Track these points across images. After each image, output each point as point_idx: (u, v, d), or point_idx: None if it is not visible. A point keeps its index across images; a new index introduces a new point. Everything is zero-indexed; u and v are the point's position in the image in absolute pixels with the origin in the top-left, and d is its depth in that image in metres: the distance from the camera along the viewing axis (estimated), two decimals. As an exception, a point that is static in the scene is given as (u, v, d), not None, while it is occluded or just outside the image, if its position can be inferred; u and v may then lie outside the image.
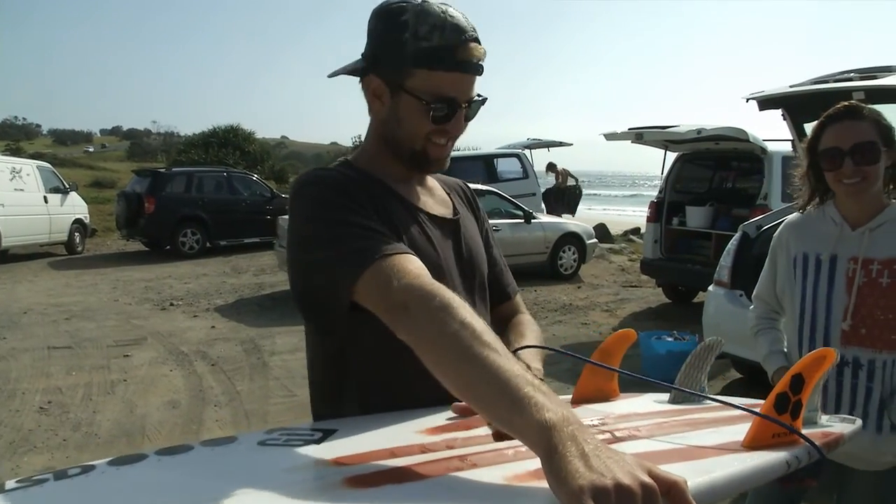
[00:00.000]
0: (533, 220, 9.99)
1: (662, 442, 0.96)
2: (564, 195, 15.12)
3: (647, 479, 0.65)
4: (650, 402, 1.31)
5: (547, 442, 0.70)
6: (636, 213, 24.43)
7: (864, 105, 1.94)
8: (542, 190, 13.80)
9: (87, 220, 14.59)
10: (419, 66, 1.15)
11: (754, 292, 2.23)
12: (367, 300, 1.05)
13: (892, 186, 1.93)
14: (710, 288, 5.14)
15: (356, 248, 1.07)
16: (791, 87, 4.67)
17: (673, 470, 0.68)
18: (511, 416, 0.77)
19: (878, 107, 4.59)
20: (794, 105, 4.85)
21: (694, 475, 0.76)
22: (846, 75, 4.47)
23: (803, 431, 1.01)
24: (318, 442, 0.97)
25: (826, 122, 1.93)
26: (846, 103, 1.94)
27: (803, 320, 1.99)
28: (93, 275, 11.18)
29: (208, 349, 6.62)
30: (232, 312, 8.28)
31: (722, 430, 1.04)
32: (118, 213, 13.92)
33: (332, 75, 1.26)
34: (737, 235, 5.04)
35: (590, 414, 1.15)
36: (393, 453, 0.90)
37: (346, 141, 29.03)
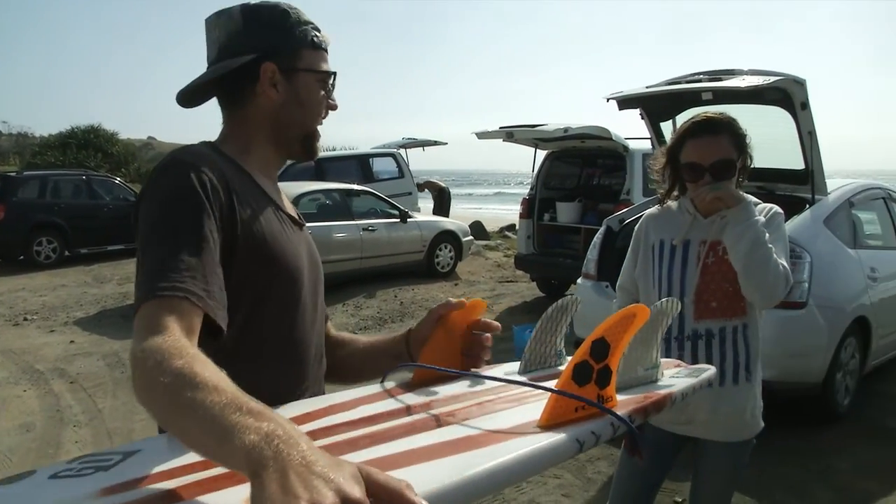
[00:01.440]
0: (409, 220, 10.02)
1: (463, 428, 0.92)
2: (442, 202, 15.27)
3: (356, 494, 0.60)
4: (498, 374, 1.26)
5: (250, 466, 0.64)
6: (511, 210, 25.06)
7: (721, 117, 2.10)
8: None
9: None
10: (306, 47, 1.27)
11: (618, 283, 2.39)
12: None
13: (741, 179, 2.13)
14: (579, 280, 5.34)
15: (152, 275, 1.00)
16: (647, 87, 4.92)
17: (454, 461, 0.68)
18: (220, 450, 0.71)
19: (720, 106, 4.95)
20: (650, 105, 5.13)
21: (467, 467, 0.75)
22: (696, 77, 4.77)
23: (626, 396, 1.01)
24: (107, 468, 0.86)
25: (687, 136, 2.10)
26: (706, 116, 2.11)
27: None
28: (-68, 289, 10.20)
29: (67, 366, 6.20)
30: (94, 325, 7.79)
31: (533, 407, 0.99)
32: (-38, 222, 12.76)
33: (210, 77, 1.25)
34: (601, 229, 5.28)
35: (416, 398, 1.10)
36: (171, 475, 0.81)
37: (218, 141, 27.98)
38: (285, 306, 1.23)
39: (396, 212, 10.01)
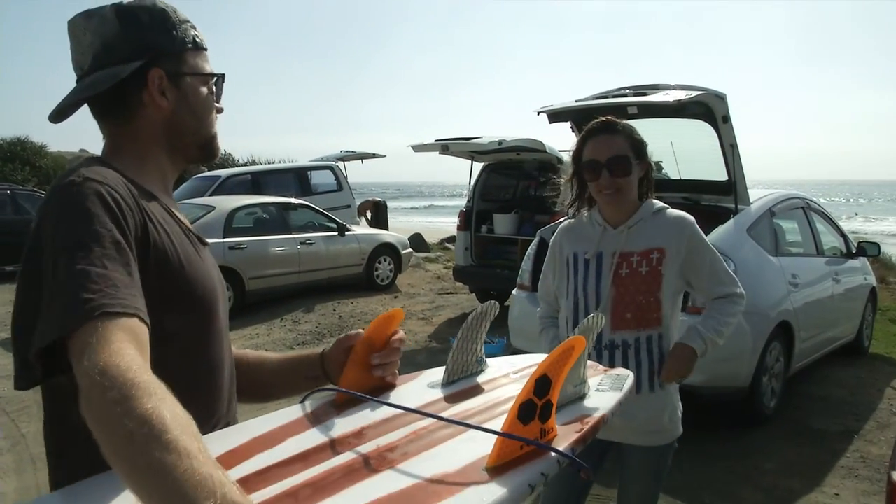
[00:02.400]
0: (347, 233, 9.98)
1: (406, 473, 0.91)
2: (378, 215, 15.26)
3: None
4: (421, 389, 1.26)
5: None
6: (450, 221, 25.16)
7: (618, 120, 2.20)
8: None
9: None
10: (189, 48, 1.20)
11: (538, 293, 2.43)
12: (72, 362, 0.87)
13: (645, 190, 2.25)
14: (514, 291, 5.40)
15: (89, 291, 0.90)
16: (576, 101, 5.04)
17: None
18: None
19: (646, 120, 5.09)
20: (579, 118, 5.24)
21: None
22: (622, 91, 4.91)
23: (563, 422, 1.03)
24: None
25: (587, 136, 2.20)
26: (603, 119, 2.21)
27: (577, 313, 2.21)
28: None
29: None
30: (18, 344, 7.47)
31: (475, 441, 0.99)
32: None
33: (99, 90, 1.13)
34: (535, 240, 5.35)
35: (343, 424, 1.09)
36: None
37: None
38: (201, 335, 1.17)
39: (335, 225, 9.95)
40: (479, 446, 0.96)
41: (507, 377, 1.32)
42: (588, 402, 1.19)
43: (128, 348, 0.85)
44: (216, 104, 1.27)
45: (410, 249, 11.11)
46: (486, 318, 1.30)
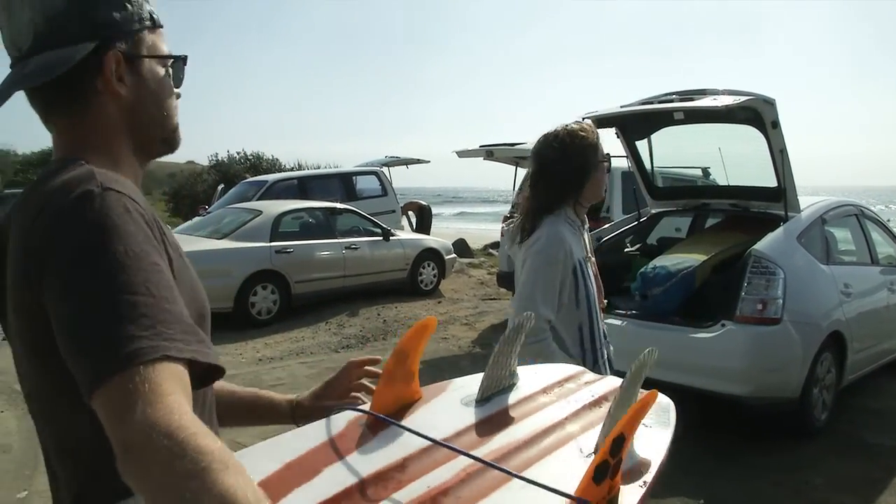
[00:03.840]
0: (392, 238, 10.04)
1: None
2: (423, 220, 15.32)
3: None
4: (455, 408, 1.20)
5: None
6: (495, 227, 25.13)
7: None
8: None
9: None
10: (146, 27, 1.03)
11: (543, 313, 2.23)
12: (102, 415, 0.74)
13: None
14: (558, 298, 5.37)
15: (130, 328, 0.76)
16: (622, 107, 5.00)
17: None
18: None
19: (694, 126, 5.02)
20: (625, 123, 5.20)
21: None
22: (669, 97, 4.85)
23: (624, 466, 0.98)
24: None
25: (594, 138, 2.41)
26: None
27: (592, 320, 2.36)
28: None
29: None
30: (73, 344, 7.71)
31: (531, 489, 0.93)
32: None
33: (48, 77, 0.94)
34: (580, 247, 5.31)
35: (381, 458, 1.01)
36: None
37: (203, 159, 27.89)
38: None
39: (379, 230, 10.02)
40: (538, 496, 0.92)
41: (544, 394, 1.28)
42: (639, 445, 1.11)
43: (185, 404, 0.73)
44: (175, 89, 1.09)
45: (454, 255, 11.13)
46: (522, 331, 1.26)
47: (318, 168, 22.61)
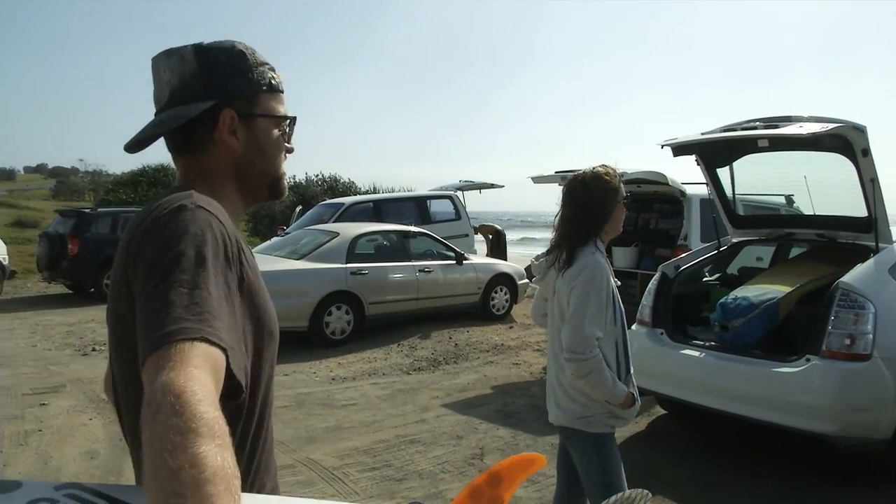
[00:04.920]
0: (465, 262, 10.09)
1: None
2: (498, 245, 15.31)
3: None
4: None
5: None
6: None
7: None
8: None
9: (5, 262, 13.99)
10: (264, 90, 1.23)
11: (591, 332, 2.52)
12: (146, 373, 0.86)
13: None
14: (633, 327, 5.28)
15: (190, 312, 0.90)
16: (702, 134, 4.91)
17: None
18: None
19: (778, 153, 4.89)
20: (705, 151, 5.11)
21: None
22: (752, 124, 4.74)
23: None
24: None
25: (617, 182, 2.68)
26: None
27: (624, 335, 2.66)
28: (10, 319, 10.69)
29: (131, 396, 6.39)
30: (157, 357, 8.01)
31: None
32: (40, 255, 13.45)
33: (166, 130, 1.19)
34: (656, 275, 5.22)
35: None
36: None
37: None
38: (269, 369, 1.19)
39: (453, 254, 10.09)
40: None
41: None
42: None
43: (206, 377, 0.83)
44: (286, 145, 1.29)
45: (527, 280, 11.08)
46: None
47: (392, 191, 22.94)
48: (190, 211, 1.03)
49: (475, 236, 13.90)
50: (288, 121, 1.28)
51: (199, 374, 0.82)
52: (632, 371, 2.68)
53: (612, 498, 1.12)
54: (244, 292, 1.07)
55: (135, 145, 1.22)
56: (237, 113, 1.20)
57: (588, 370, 2.47)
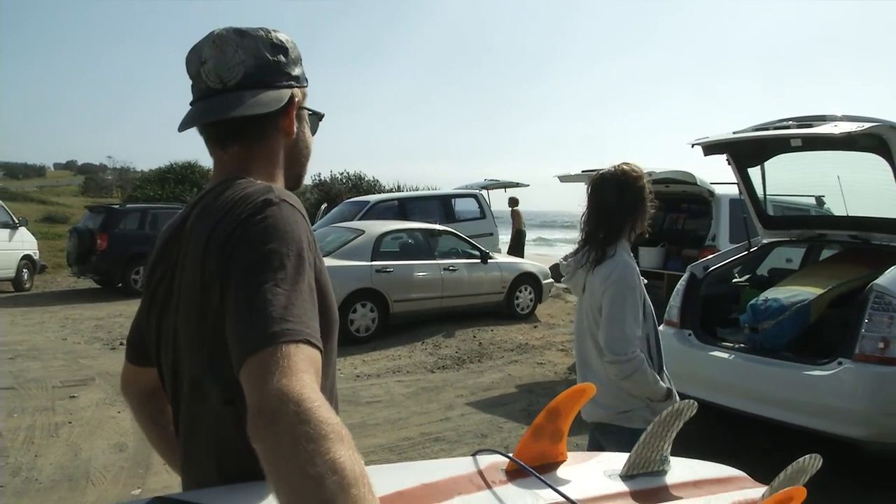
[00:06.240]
0: (490, 261, 10.06)
1: None
2: (519, 239, 15.32)
3: None
4: (599, 477, 1.18)
5: None
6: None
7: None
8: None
9: (36, 257, 14.23)
10: (306, 85, 1.26)
11: (631, 333, 2.51)
12: (245, 383, 0.87)
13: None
14: (661, 327, 5.21)
15: (290, 314, 0.91)
16: (734, 133, 4.85)
17: None
18: None
19: (814, 152, 4.80)
20: (736, 150, 5.04)
21: None
22: (785, 123, 4.67)
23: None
24: None
25: (644, 181, 2.64)
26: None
27: (654, 326, 2.66)
28: (40, 313, 10.88)
29: (158, 390, 6.46)
30: (184, 352, 8.10)
31: None
32: (69, 250, 13.67)
33: (261, 111, 1.15)
34: (685, 276, 5.17)
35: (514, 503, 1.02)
36: None
37: (307, 179, 28.62)
38: (334, 358, 1.20)
39: (477, 252, 10.07)
40: None
41: (695, 488, 1.23)
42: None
43: (314, 382, 0.84)
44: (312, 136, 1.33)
45: (551, 279, 11.03)
46: (682, 416, 1.22)
47: (417, 189, 22.96)
48: (276, 206, 1.02)
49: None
50: (320, 117, 1.32)
51: (309, 380, 0.83)
52: (664, 366, 2.68)
53: (663, 413, 1.20)
54: (319, 282, 1.07)
55: (207, 124, 1.19)
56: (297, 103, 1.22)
57: (632, 370, 2.45)
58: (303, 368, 0.84)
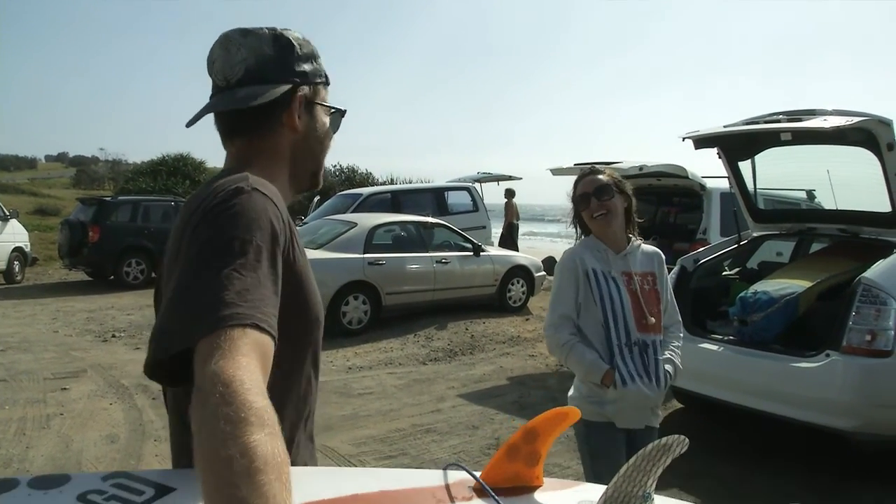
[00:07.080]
0: (482, 253, 10.08)
1: None
2: (512, 231, 15.36)
3: None
4: None
5: None
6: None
7: (601, 167, 2.74)
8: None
9: (27, 249, 14.18)
10: (322, 82, 1.28)
11: (559, 314, 2.62)
12: (196, 361, 0.86)
13: (630, 227, 2.70)
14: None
15: (241, 298, 0.90)
16: (724, 126, 4.87)
17: None
18: None
19: (803, 146, 4.83)
20: (727, 144, 5.07)
21: None
22: (775, 117, 4.70)
23: None
24: None
25: (578, 180, 2.71)
26: (589, 166, 2.82)
27: (607, 320, 2.57)
28: (32, 305, 10.85)
29: (150, 382, 6.36)
30: (176, 344, 8.10)
31: None
32: (61, 242, 13.63)
33: (254, 104, 1.17)
34: (675, 269, 5.19)
35: None
36: None
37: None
38: (314, 353, 1.21)
39: (470, 245, 10.09)
40: None
41: None
42: None
43: (254, 365, 0.84)
44: (332, 134, 1.34)
45: (544, 272, 11.06)
46: (670, 452, 1.10)
47: (410, 182, 22.95)
48: (246, 194, 1.03)
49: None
50: (339, 112, 1.33)
51: (247, 363, 0.83)
52: (624, 364, 2.61)
53: (649, 446, 1.10)
54: (294, 277, 1.08)
55: (216, 120, 1.24)
56: (304, 98, 1.24)
57: (549, 348, 2.70)
58: (244, 352, 0.84)
